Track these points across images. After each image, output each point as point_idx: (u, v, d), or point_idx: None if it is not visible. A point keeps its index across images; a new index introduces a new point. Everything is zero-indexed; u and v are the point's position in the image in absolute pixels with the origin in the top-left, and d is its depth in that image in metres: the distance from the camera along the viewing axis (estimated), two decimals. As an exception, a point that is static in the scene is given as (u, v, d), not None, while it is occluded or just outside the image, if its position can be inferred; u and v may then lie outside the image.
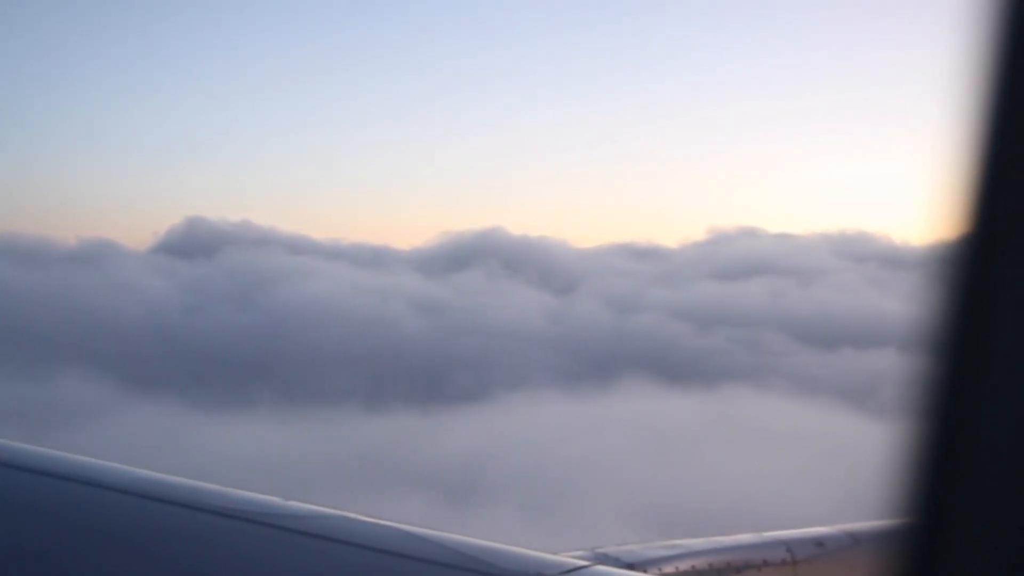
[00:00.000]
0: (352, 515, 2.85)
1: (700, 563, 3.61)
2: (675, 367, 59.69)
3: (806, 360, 65.99)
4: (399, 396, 49.64)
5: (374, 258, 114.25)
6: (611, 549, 3.47)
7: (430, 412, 45.85)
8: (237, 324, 63.73)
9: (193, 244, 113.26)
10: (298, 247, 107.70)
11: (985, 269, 0.97)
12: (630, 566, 3.43)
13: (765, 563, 3.74)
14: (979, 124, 0.96)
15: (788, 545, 3.81)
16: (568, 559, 2.75)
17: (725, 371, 61.29)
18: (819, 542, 3.87)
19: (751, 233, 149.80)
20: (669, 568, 3.53)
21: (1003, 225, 0.96)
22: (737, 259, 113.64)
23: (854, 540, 3.91)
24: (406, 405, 47.52)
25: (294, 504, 2.88)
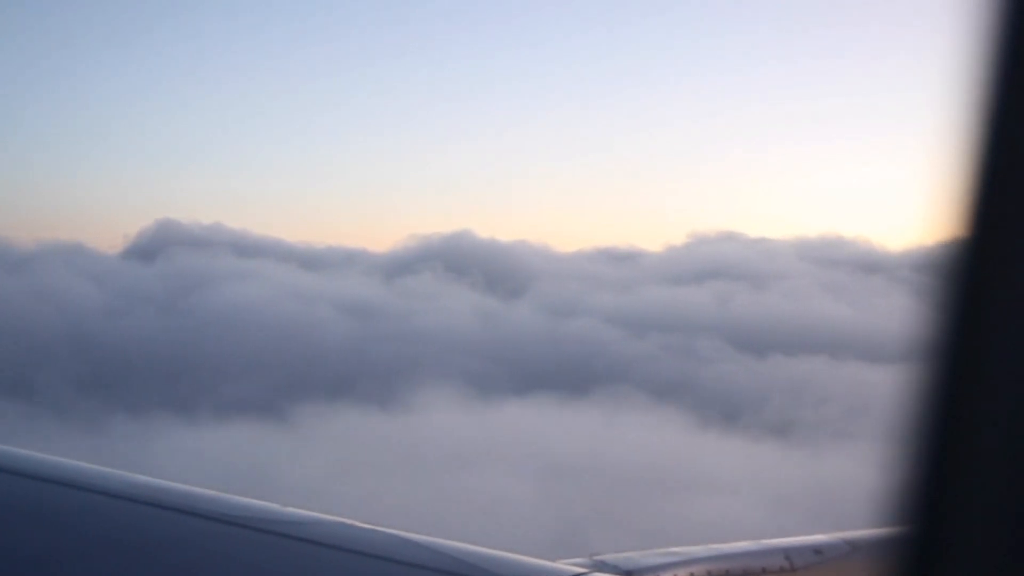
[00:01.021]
0: (350, 521, 2.88)
1: (698, 571, 3.60)
2: (583, 375, 59.14)
3: (720, 368, 65.19)
4: (292, 402, 49.06)
5: (335, 260, 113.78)
6: (609, 556, 3.44)
7: (304, 418, 45.26)
8: (154, 329, 63.33)
9: (163, 247, 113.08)
10: (255, 249, 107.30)
11: (983, 273, 0.96)
12: (628, 573, 3.44)
13: (764, 571, 3.72)
14: (975, 127, 0.95)
15: (786, 553, 3.78)
16: (566, 566, 2.84)
17: (639, 378, 60.67)
18: (817, 550, 3.85)
19: (730, 237, 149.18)
20: None
21: (1001, 229, 0.95)
22: (703, 263, 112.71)
23: (852, 548, 3.88)
24: (292, 412, 46.95)
25: (292, 510, 2.91)
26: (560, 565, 2.81)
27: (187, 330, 63.35)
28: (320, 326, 65.90)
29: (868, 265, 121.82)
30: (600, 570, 3.23)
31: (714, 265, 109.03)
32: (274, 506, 2.95)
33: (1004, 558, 0.95)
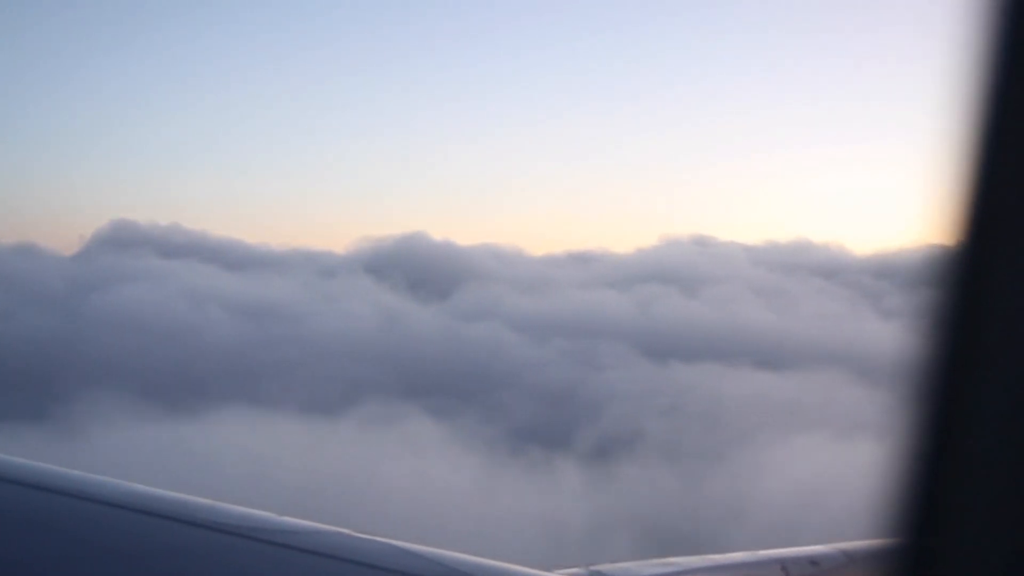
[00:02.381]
0: (347, 531, 2.90)
1: None
2: (450, 381, 57.95)
3: (609, 375, 63.72)
4: (142, 407, 47.86)
5: (277, 261, 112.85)
6: (606, 567, 3.43)
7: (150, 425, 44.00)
8: (31, 331, 62.30)
9: (119, 248, 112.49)
10: (191, 249, 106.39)
11: (979, 276, 0.96)
12: None
13: None
14: (968, 130, 0.96)
15: (783, 563, 3.77)
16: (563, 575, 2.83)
17: (516, 384, 59.39)
18: (813, 560, 3.83)
19: (700, 241, 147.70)
20: None
21: (996, 233, 0.95)
22: (652, 267, 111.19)
23: (848, 558, 3.87)
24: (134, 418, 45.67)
25: (289, 520, 2.90)
26: (557, 574, 2.91)
27: (69, 332, 62.31)
28: (202, 328, 64.71)
29: (827, 271, 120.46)
30: None
31: (661, 269, 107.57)
32: (271, 515, 2.93)
33: (1001, 569, 0.95)
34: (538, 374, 63.16)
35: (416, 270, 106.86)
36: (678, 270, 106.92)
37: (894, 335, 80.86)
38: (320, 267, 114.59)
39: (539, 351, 69.45)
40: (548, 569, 3.12)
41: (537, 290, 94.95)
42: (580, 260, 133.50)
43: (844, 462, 41.06)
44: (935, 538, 0.99)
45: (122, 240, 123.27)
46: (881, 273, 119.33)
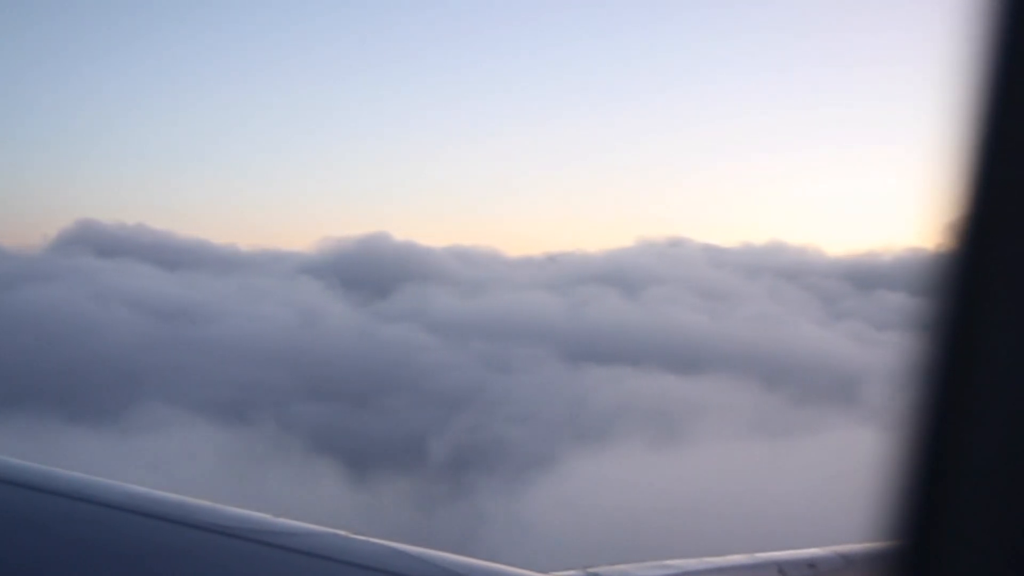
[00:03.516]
0: (343, 533, 2.88)
1: None
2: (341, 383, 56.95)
3: (510, 379, 62.40)
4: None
5: (226, 261, 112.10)
6: (604, 569, 3.45)
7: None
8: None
9: (83, 248, 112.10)
10: (141, 250, 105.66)
11: (976, 278, 0.96)
12: None
13: None
14: (964, 132, 0.96)
15: (780, 566, 3.75)
16: None
17: (414, 386, 58.28)
18: (811, 563, 3.82)
19: (675, 243, 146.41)
20: None
21: (995, 234, 0.94)
22: (603, 269, 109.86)
23: (846, 561, 3.87)
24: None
25: (285, 521, 2.90)
26: None
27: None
28: (99, 329, 63.74)
29: (792, 273, 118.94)
30: None
31: (617, 271, 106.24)
32: (267, 516, 2.93)
33: (998, 571, 0.95)
34: (436, 378, 61.93)
35: (370, 271, 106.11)
36: (634, 272, 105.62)
37: (833, 338, 79.83)
38: (275, 268, 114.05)
39: (449, 354, 68.25)
40: (545, 571, 3.13)
41: (484, 291, 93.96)
42: (549, 262, 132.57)
43: (681, 470, 40.10)
44: (932, 541, 0.98)
45: (86, 239, 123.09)
46: (850, 276, 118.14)
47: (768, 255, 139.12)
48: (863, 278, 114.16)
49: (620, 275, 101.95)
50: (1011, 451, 0.93)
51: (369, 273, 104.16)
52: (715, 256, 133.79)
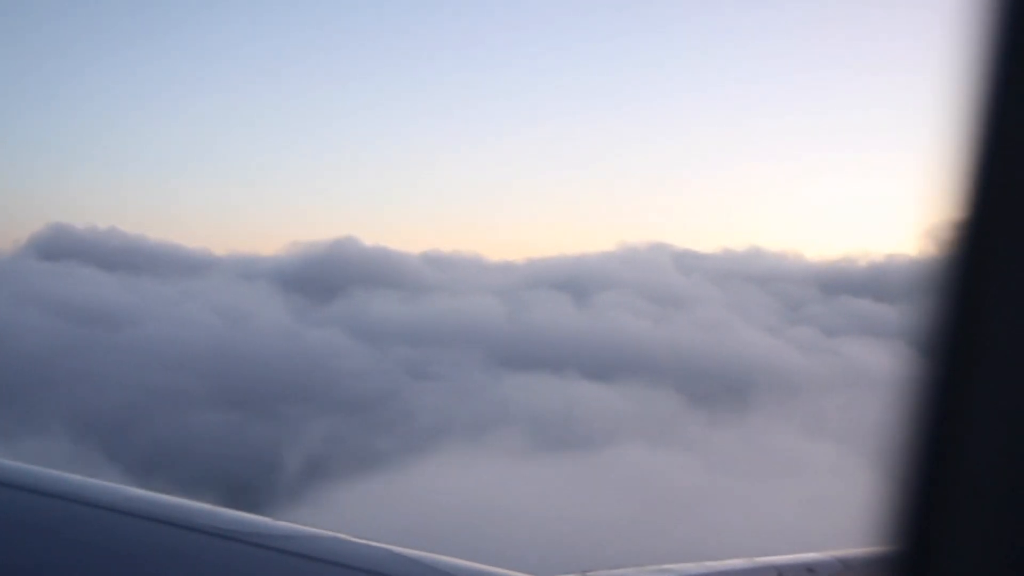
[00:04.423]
0: (343, 536, 2.88)
1: None
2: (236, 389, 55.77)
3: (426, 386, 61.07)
4: None
5: (178, 264, 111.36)
6: (602, 573, 3.44)
7: None
8: None
9: (56, 251, 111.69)
10: (85, 253, 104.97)
11: (975, 281, 0.95)
12: None
13: None
14: (962, 135, 0.96)
15: (779, 570, 3.75)
16: None
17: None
18: (810, 568, 3.78)
19: (655, 248, 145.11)
20: None
21: (994, 237, 0.94)
22: (569, 274, 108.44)
23: (845, 566, 3.83)
24: None
25: (283, 524, 2.91)
26: None
27: None
28: (9, 333, 62.82)
29: (763, 278, 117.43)
30: None
31: (571, 276, 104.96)
32: (266, 520, 2.94)
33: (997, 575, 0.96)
34: (347, 385, 60.72)
35: (331, 276, 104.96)
36: (596, 277, 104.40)
37: (774, 344, 78.21)
38: (238, 272, 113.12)
39: (368, 360, 67.00)
40: None
41: (434, 295, 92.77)
42: (509, 268, 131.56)
43: (538, 478, 38.89)
44: (931, 545, 0.98)
45: (57, 244, 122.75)
46: (821, 282, 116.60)
47: (745, 261, 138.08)
48: (832, 284, 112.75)
49: (581, 280, 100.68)
50: (1010, 455, 0.93)
51: (329, 278, 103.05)
52: (689, 261, 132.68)
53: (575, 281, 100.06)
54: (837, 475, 39.07)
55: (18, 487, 3.01)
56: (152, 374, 58.85)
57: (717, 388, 59.05)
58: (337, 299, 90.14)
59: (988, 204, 0.95)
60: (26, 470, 3.17)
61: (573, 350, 70.56)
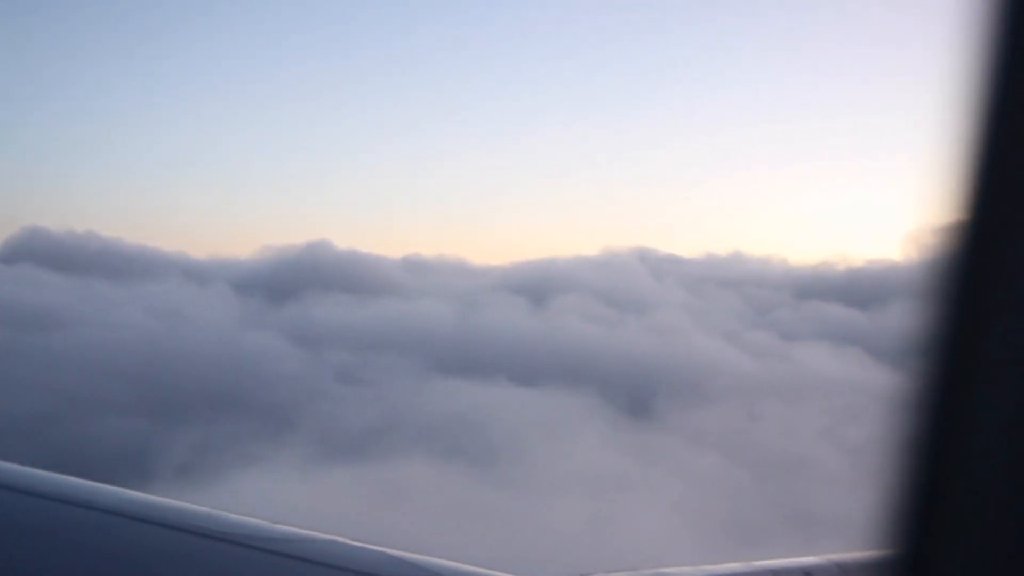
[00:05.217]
0: (341, 539, 2.89)
1: None
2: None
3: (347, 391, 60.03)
4: None
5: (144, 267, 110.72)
6: None
7: None
8: None
9: (19, 255, 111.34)
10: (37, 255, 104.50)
11: (974, 282, 0.95)
12: None
13: None
14: (960, 137, 0.95)
15: (776, 575, 3.76)
16: None
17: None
18: (807, 572, 3.82)
19: (639, 254, 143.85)
20: None
21: (992, 240, 0.94)
22: (540, 279, 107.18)
23: (842, 571, 3.83)
24: None
25: (283, 527, 2.90)
26: None
27: None
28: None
29: (736, 283, 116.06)
30: None
31: (539, 280, 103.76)
32: (265, 523, 2.93)
33: None
34: (273, 390, 59.72)
35: (297, 280, 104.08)
36: (558, 281, 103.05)
37: (720, 349, 76.78)
38: (208, 276, 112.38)
39: (301, 365, 66.03)
40: None
41: (395, 298, 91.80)
42: (491, 270, 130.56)
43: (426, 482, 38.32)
44: (929, 549, 0.98)
45: (28, 247, 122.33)
46: (796, 286, 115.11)
47: (725, 265, 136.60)
48: (807, 289, 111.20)
49: (546, 284, 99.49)
50: (1009, 458, 0.92)
51: (294, 282, 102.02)
52: (668, 266, 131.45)
53: (540, 285, 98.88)
54: (693, 484, 38.06)
55: (17, 489, 2.98)
56: (71, 378, 58.05)
57: (641, 393, 57.88)
58: (293, 303, 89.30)
59: (987, 206, 0.93)
60: (26, 472, 3.15)
61: (512, 355, 69.48)
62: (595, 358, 68.89)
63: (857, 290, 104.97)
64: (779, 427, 50.36)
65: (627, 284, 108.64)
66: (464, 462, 42.90)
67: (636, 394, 58.00)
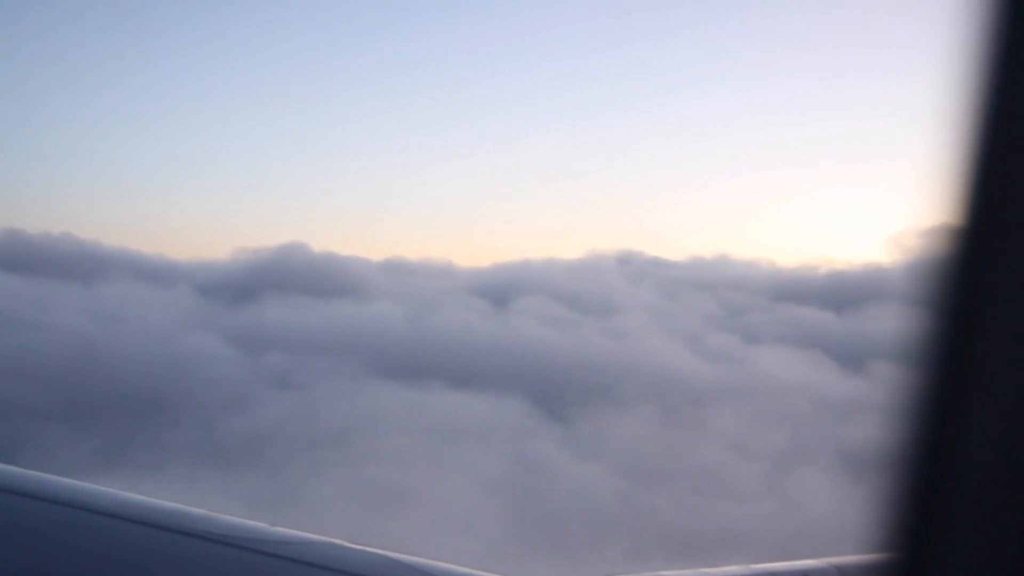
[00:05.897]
0: (339, 542, 2.87)
1: None
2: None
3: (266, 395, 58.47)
4: None
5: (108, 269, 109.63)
6: None
7: None
8: None
9: (8, 258, 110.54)
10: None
11: (972, 284, 0.95)
12: None
13: None
14: (958, 139, 0.95)
15: None
16: None
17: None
18: (805, 575, 3.79)
19: (624, 258, 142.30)
20: None
21: (990, 242, 0.94)
22: (511, 282, 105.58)
23: (841, 574, 3.80)
24: None
25: (281, 530, 2.89)
26: None
27: None
28: None
29: (713, 285, 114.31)
30: None
31: (511, 283, 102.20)
32: (263, 525, 2.89)
33: None
34: (198, 393, 58.29)
35: (262, 282, 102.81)
36: (527, 284, 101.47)
37: (676, 352, 74.91)
38: (180, 278, 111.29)
39: (232, 368, 64.55)
40: None
41: (351, 301, 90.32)
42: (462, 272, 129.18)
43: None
44: (928, 553, 0.98)
45: (7, 248, 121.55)
46: (774, 290, 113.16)
47: (709, 268, 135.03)
48: (785, 292, 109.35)
49: (514, 287, 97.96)
50: (1005, 461, 0.93)
51: (262, 284, 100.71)
52: (650, 268, 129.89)
53: (508, 288, 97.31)
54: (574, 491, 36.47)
55: (17, 492, 2.95)
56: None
57: (571, 397, 56.25)
58: (251, 305, 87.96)
59: (984, 209, 0.93)
60: (26, 475, 3.12)
61: (454, 359, 67.90)
62: (539, 362, 67.17)
63: (835, 293, 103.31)
64: (692, 433, 48.52)
65: (599, 287, 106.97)
66: (357, 467, 41.50)
67: (565, 398, 56.37)
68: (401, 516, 34.51)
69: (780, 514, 36.35)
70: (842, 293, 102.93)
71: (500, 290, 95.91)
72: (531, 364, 66.41)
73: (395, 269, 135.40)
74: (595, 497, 37.07)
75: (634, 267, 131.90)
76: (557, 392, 58.07)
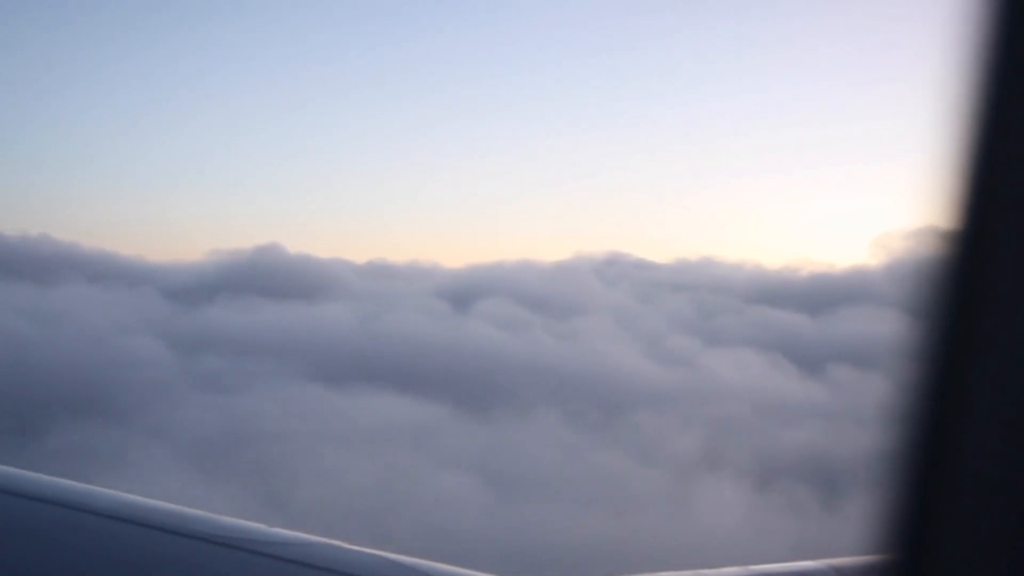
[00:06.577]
0: (336, 543, 2.88)
1: None
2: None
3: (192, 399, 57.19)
4: None
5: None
6: None
7: None
8: None
9: None
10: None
11: (971, 284, 0.95)
12: None
13: None
14: (956, 140, 0.95)
15: None
16: None
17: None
18: None
19: (610, 260, 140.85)
20: None
21: (989, 243, 0.94)
22: (485, 283, 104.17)
23: (840, 575, 3.75)
24: None
25: (280, 531, 2.90)
26: None
27: None
28: None
29: (691, 288, 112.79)
30: None
31: (479, 285, 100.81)
32: (263, 527, 2.91)
33: None
34: (128, 395, 57.12)
35: (231, 283, 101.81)
36: (495, 286, 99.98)
37: (627, 354, 73.21)
38: (151, 280, 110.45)
39: (165, 371, 63.31)
40: None
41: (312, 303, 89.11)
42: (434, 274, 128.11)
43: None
44: (926, 554, 0.99)
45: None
46: (753, 292, 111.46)
47: (691, 271, 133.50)
48: (761, 294, 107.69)
49: (478, 289, 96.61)
50: (1002, 462, 0.93)
51: (233, 286, 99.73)
52: (631, 271, 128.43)
53: (475, 290, 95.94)
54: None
55: (17, 492, 2.93)
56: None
57: (501, 400, 54.69)
58: (208, 307, 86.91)
59: (981, 210, 0.94)
60: (25, 476, 3.09)
61: (396, 361, 66.49)
62: (479, 364, 65.64)
63: (814, 296, 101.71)
64: (600, 436, 46.89)
65: (573, 290, 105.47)
66: (258, 471, 40.26)
67: (492, 401, 54.84)
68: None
69: (667, 522, 34.55)
70: (821, 296, 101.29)
71: (466, 293, 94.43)
72: (470, 367, 64.92)
73: (376, 272, 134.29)
74: (456, 506, 35.60)
75: (617, 269, 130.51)
76: (487, 395, 56.53)
